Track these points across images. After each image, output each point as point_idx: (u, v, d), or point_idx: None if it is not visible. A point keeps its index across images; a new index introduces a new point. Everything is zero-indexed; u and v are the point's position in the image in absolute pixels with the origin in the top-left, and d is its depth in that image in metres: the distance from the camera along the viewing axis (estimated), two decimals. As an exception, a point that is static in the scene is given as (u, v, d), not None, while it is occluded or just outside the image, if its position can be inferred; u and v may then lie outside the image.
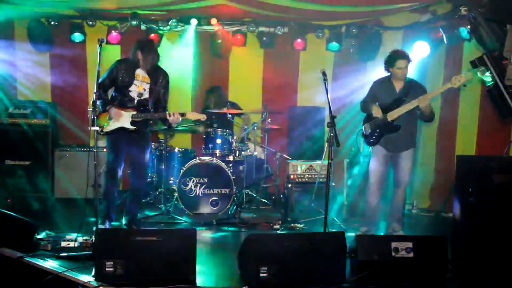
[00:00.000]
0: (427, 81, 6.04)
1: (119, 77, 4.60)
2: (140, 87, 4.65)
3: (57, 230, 4.63)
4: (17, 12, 6.22)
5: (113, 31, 6.55)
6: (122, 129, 4.58)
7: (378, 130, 4.78)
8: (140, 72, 4.66)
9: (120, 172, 4.71)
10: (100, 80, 4.50)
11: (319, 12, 6.23)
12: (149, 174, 6.07)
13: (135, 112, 4.59)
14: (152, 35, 6.68)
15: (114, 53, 6.62)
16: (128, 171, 4.98)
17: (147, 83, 4.68)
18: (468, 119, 6.21)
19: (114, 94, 4.71)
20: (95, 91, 4.30)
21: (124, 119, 4.58)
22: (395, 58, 4.70)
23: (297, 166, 5.73)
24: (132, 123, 4.58)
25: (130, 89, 4.62)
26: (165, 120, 4.66)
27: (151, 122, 4.94)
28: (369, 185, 4.92)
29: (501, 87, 4.33)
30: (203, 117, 4.72)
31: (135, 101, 4.63)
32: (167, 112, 4.64)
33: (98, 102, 4.40)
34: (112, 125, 4.57)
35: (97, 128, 4.21)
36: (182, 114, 4.62)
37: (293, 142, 6.84)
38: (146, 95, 4.67)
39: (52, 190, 6.14)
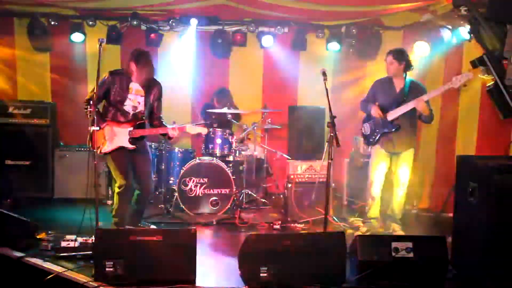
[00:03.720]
0: (427, 81, 6.03)
1: (112, 91, 4.39)
2: (134, 100, 4.48)
3: (57, 230, 4.62)
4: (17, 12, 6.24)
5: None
6: (121, 148, 4.43)
7: (378, 130, 4.78)
8: (134, 86, 4.48)
9: (132, 188, 4.53)
10: (91, 94, 4.30)
11: (319, 12, 6.23)
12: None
13: (131, 128, 4.41)
14: (152, 35, 6.68)
15: (114, 53, 6.63)
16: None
17: (141, 96, 4.52)
18: (468, 119, 6.20)
19: (106, 108, 4.49)
20: (95, 90, 4.27)
21: (121, 137, 4.40)
22: (387, 54, 4.84)
23: (297, 166, 5.73)
24: (131, 141, 4.42)
25: (125, 103, 4.45)
26: (164, 134, 4.59)
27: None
28: (368, 185, 4.92)
29: (501, 87, 4.32)
30: (204, 130, 4.67)
31: (130, 115, 4.47)
32: (168, 127, 4.53)
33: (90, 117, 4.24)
34: (110, 145, 4.38)
35: (97, 128, 4.17)
36: (182, 129, 4.53)
37: (293, 142, 6.84)
38: (140, 108, 4.52)
39: (52, 190, 6.14)
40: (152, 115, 4.67)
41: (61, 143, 6.43)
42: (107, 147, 4.38)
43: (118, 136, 4.41)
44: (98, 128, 4.08)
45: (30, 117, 6.19)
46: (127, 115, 4.47)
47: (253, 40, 7.04)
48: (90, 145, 4.13)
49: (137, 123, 4.47)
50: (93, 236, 3.85)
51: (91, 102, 4.12)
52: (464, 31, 5.66)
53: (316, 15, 6.54)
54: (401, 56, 4.76)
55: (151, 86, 4.59)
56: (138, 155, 4.55)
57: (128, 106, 4.48)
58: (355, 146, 6.55)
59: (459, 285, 3.72)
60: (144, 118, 4.55)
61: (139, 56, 4.45)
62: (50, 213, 5.63)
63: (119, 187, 4.52)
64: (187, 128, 4.57)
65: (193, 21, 6.63)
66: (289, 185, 5.63)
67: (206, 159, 5.77)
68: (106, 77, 4.42)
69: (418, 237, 3.81)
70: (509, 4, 4.28)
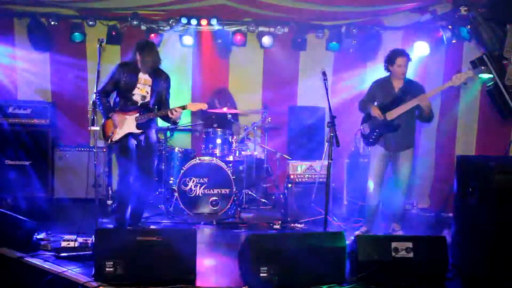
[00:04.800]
0: (427, 81, 6.03)
1: (122, 81, 4.54)
2: (142, 90, 4.60)
3: (57, 230, 4.62)
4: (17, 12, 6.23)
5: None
6: (129, 135, 4.56)
7: (377, 130, 4.78)
8: (142, 75, 4.60)
9: (133, 180, 4.59)
10: (102, 85, 4.47)
11: (319, 12, 6.23)
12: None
13: (137, 114, 4.55)
14: (152, 35, 6.67)
15: (114, 53, 6.63)
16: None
17: (149, 86, 4.63)
18: (468, 119, 6.20)
19: (116, 99, 4.66)
20: (95, 91, 4.35)
21: (129, 124, 4.53)
22: (395, 55, 4.75)
23: (297, 166, 5.72)
24: (138, 126, 4.55)
25: (133, 92, 4.58)
26: (168, 117, 4.64)
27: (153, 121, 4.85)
28: (368, 185, 4.92)
29: (501, 87, 4.33)
30: (204, 106, 4.71)
31: (138, 104, 4.59)
32: (168, 109, 4.61)
33: (100, 109, 4.43)
34: (120, 133, 4.52)
35: (97, 128, 4.23)
36: (183, 108, 4.61)
37: (293, 142, 6.84)
38: (148, 97, 4.63)
39: (52, 190, 6.14)
40: (160, 105, 4.73)
41: (61, 143, 6.42)
42: (117, 135, 4.52)
43: (127, 123, 4.53)
44: (98, 128, 4.21)
45: (30, 117, 6.18)
46: (135, 104, 4.59)
47: (253, 40, 7.04)
48: (103, 137, 4.40)
49: (143, 110, 4.59)
50: (93, 236, 3.86)
51: (97, 103, 4.28)
52: (464, 31, 5.66)
53: (316, 15, 6.53)
54: (409, 57, 4.78)
55: (159, 76, 4.69)
56: (144, 148, 4.64)
57: (137, 95, 4.60)
58: (355, 146, 6.55)
59: (459, 285, 3.72)
60: (151, 107, 4.64)
61: (143, 46, 4.58)
62: (50, 213, 5.63)
63: (120, 177, 4.59)
64: (187, 106, 4.65)
65: (193, 21, 6.62)
66: (289, 185, 5.63)
67: (206, 159, 5.77)
68: (116, 68, 4.59)
69: (418, 237, 3.81)
70: (509, 4, 4.29)
